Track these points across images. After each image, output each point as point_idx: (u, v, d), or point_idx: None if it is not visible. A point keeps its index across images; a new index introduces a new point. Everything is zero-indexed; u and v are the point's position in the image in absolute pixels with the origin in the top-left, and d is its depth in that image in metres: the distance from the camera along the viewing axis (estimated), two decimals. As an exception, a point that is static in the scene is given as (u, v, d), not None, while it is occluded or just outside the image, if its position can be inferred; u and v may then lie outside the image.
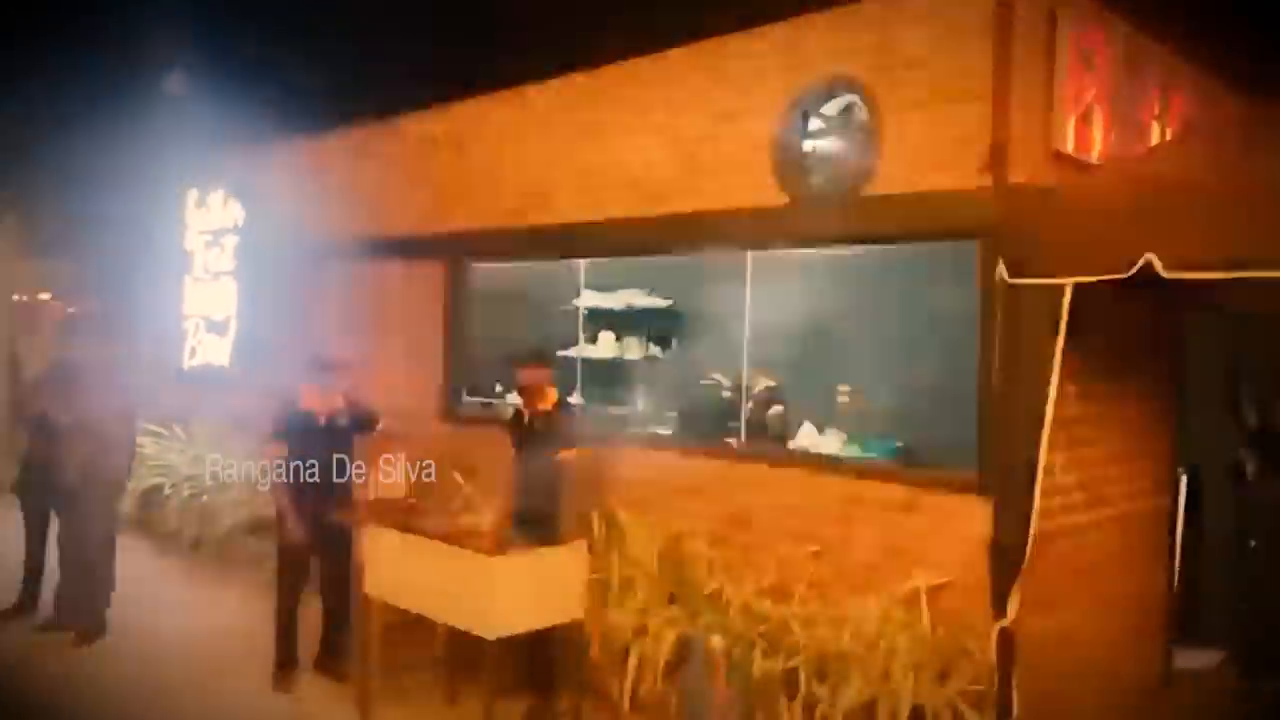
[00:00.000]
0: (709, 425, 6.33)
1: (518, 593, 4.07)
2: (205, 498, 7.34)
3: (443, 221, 6.87)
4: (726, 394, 6.53)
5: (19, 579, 5.89)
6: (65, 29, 9.64)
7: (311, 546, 4.98)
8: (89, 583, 5.59)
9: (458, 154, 6.78)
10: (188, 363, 8.82)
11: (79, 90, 10.00)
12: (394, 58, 7.15)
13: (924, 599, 4.20)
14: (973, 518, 4.16)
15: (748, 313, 5.76)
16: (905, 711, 3.74)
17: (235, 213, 8.58)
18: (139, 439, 6.55)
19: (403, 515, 4.65)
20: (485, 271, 7.03)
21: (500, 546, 4.13)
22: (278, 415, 5.04)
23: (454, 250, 6.86)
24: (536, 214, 6.18)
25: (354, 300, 7.51)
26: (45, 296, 14.07)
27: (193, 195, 9.05)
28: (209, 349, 8.71)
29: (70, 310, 10.78)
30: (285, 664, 4.98)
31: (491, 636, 3.97)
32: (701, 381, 6.79)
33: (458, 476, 5.87)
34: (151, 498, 7.74)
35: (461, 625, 4.16)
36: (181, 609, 6.21)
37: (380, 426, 5.31)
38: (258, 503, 6.94)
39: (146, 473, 7.74)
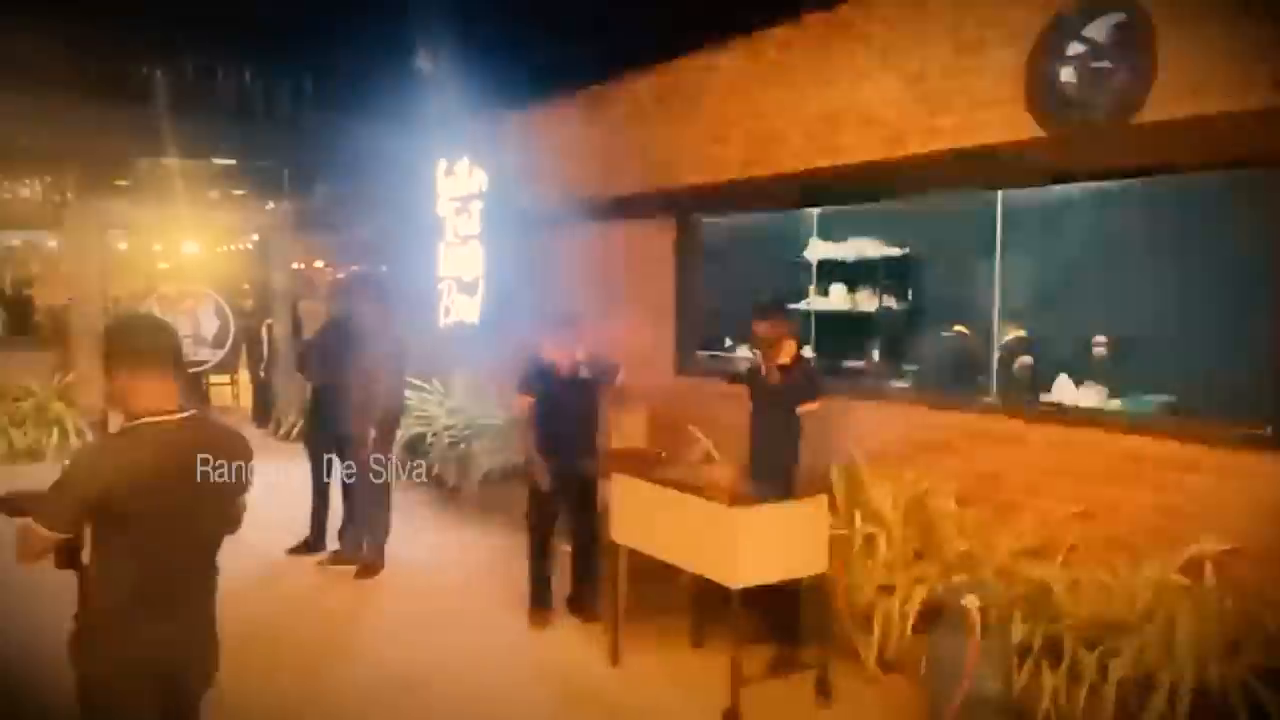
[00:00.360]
0: (952, 378, 6.05)
1: (759, 544, 4.08)
2: (463, 446, 7.91)
3: (672, 177, 6.92)
4: (971, 345, 6.21)
5: (308, 518, 6.60)
6: (330, 19, 10.54)
7: (560, 492, 5.25)
8: (369, 522, 6.19)
9: (687, 108, 6.78)
10: (442, 321, 9.48)
11: (342, 77, 10.94)
12: (624, 16, 7.25)
13: (1209, 567, 3.82)
14: (1265, 477, 3.72)
15: (998, 259, 5.41)
16: (1188, 687, 3.43)
17: (480, 180, 9.07)
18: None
19: (645, 465, 4.78)
20: (714, 225, 7.05)
21: (739, 499, 4.16)
22: (524, 369, 5.33)
23: (683, 205, 6.90)
24: (767, 164, 6.10)
25: (590, 258, 7.76)
26: (320, 264, 15.63)
27: (441, 165, 9.65)
28: (461, 308, 9.32)
29: (341, 276, 11.91)
30: (539, 603, 5.31)
31: (734, 586, 4.01)
32: (943, 333, 6.49)
33: (694, 430, 5.98)
34: (415, 445, 8.44)
35: (705, 574, 4.24)
36: (443, 548, 6.75)
37: (620, 379, 5.47)
38: (510, 450, 7.41)
39: (411, 423, 8.42)
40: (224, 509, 2.65)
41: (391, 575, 6.12)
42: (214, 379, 12.90)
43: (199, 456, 2.51)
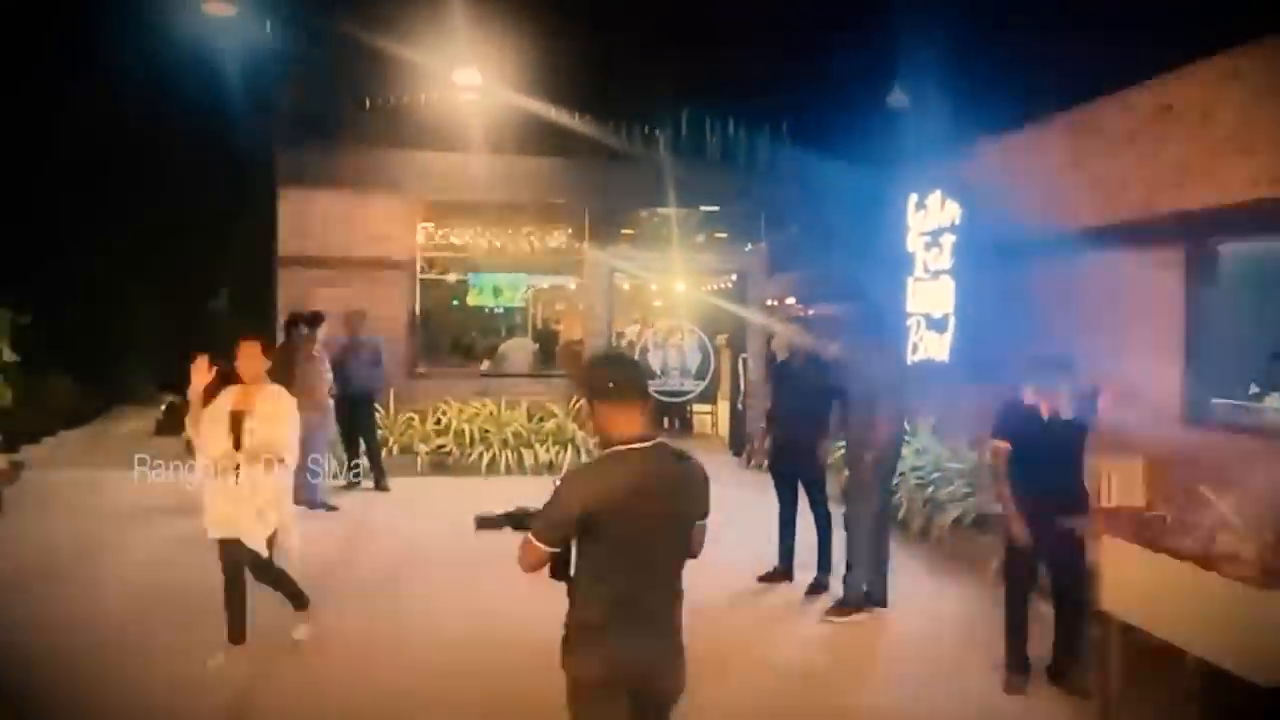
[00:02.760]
0: None
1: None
2: (930, 489, 7.69)
3: (1180, 200, 6.10)
4: None
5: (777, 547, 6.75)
6: (806, 66, 11.07)
7: (1040, 550, 4.85)
8: (862, 557, 6.03)
9: (1200, 122, 5.94)
10: (910, 358, 9.35)
11: (815, 120, 11.41)
12: (1116, 26, 6.59)
13: None
14: None
15: None
16: None
17: (952, 212, 8.82)
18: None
19: (1145, 528, 4.24)
20: (1236, 251, 6.06)
21: (1270, 577, 3.49)
22: (1000, 413, 5.02)
23: (1195, 230, 6.04)
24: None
25: (1073, 291, 7.12)
26: (791, 301, 16.31)
27: (912, 199, 9.56)
28: (930, 345, 9.12)
29: (811, 312, 12.32)
30: (1015, 668, 4.93)
31: (1263, 683, 3.37)
32: None
33: (1206, 490, 5.15)
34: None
35: (1222, 663, 3.62)
36: (910, 596, 6.55)
37: (1103, 403, 4.92)
38: (982, 498, 7.04)
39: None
40: (687, 532, 2.86)
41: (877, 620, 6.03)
42: (696, 408, 14.10)
43: (666, 481, 2.76)
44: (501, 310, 17.07)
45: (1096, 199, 6.91)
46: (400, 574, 6.69)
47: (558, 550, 2.76)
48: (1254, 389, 6.50)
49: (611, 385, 2.80)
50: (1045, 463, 4.79)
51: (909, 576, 6.83)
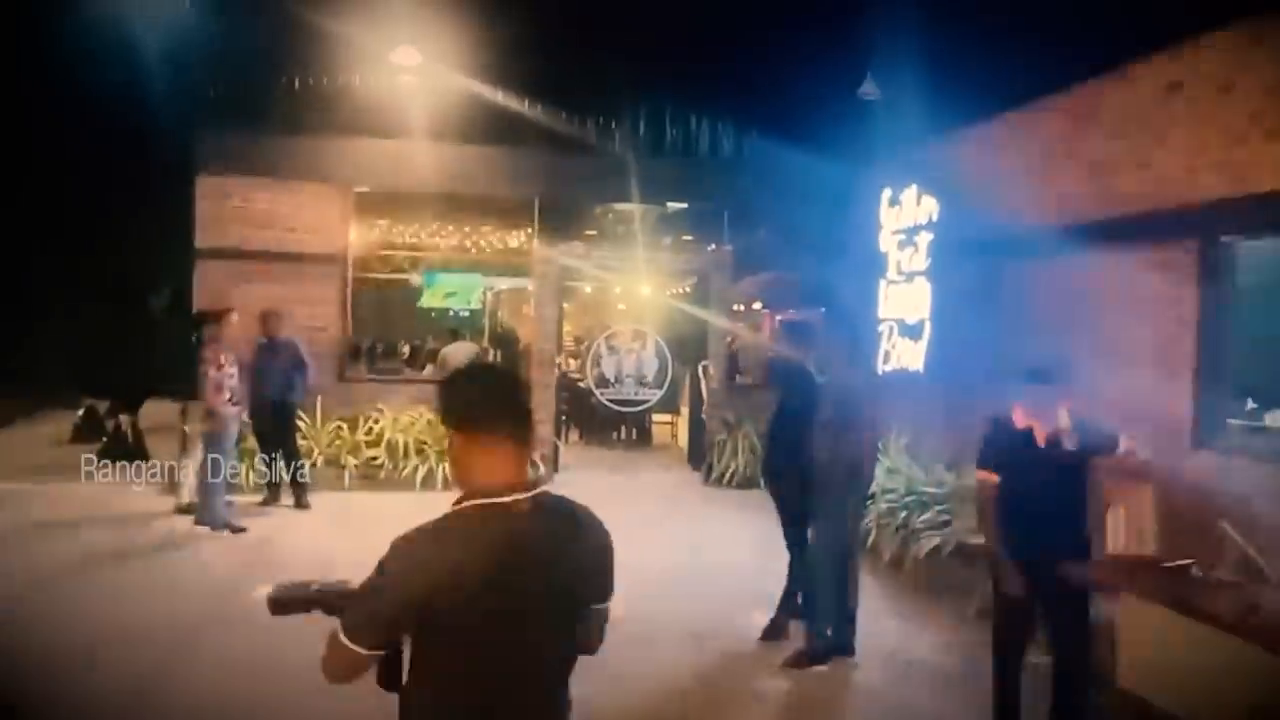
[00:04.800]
0: None
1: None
2: (903, 513, 6.88)
3: (1187, 191, 5.35)
4: None
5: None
6: (767, 53, 10.32)
7: (1035, 600, 4.04)
8: (827, 599, 5.20)
9: (1216, 100, 5.18)
10: (881, 368, 8.57)
11: (780, 112, 10.65)
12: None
13: None
14: None
15: None
16: None
17: (929, 208, 8.05)
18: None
19: (1170, 584, 3.45)
20: (1250, 251, 5.31)
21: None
22: (986, 437, 4.21)
23: (1206, 226, 5.28)
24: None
25: (1063, 294, 6.36)
26: (757, 307, 15.51)
27: (885, 194, 8.79)
28: (903, 353, 8.34)
29: (780, 318, 11.52)
30: (1004, 732, 4.13)
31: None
32: None
33: (1231, 530, 4.36)
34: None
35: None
36: (880, 635, 5.76)
37: (1122, 451, 4.12)
38: (961, 526, 6.26)
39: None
40: (580, 621, 1.99)
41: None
42: (657, 417, 13.26)
43: (546, 551, 1.89)
44: (453, 312, 16.24)
45: (1093, 190, 6.15)
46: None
47: (383, 653, 1.89)
48: (1250, 404, 5.78)
49: (471, 409, 1.95)
50: (1041, 498, 3.97)
51: (879, 616, 6.00)
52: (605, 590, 2.03)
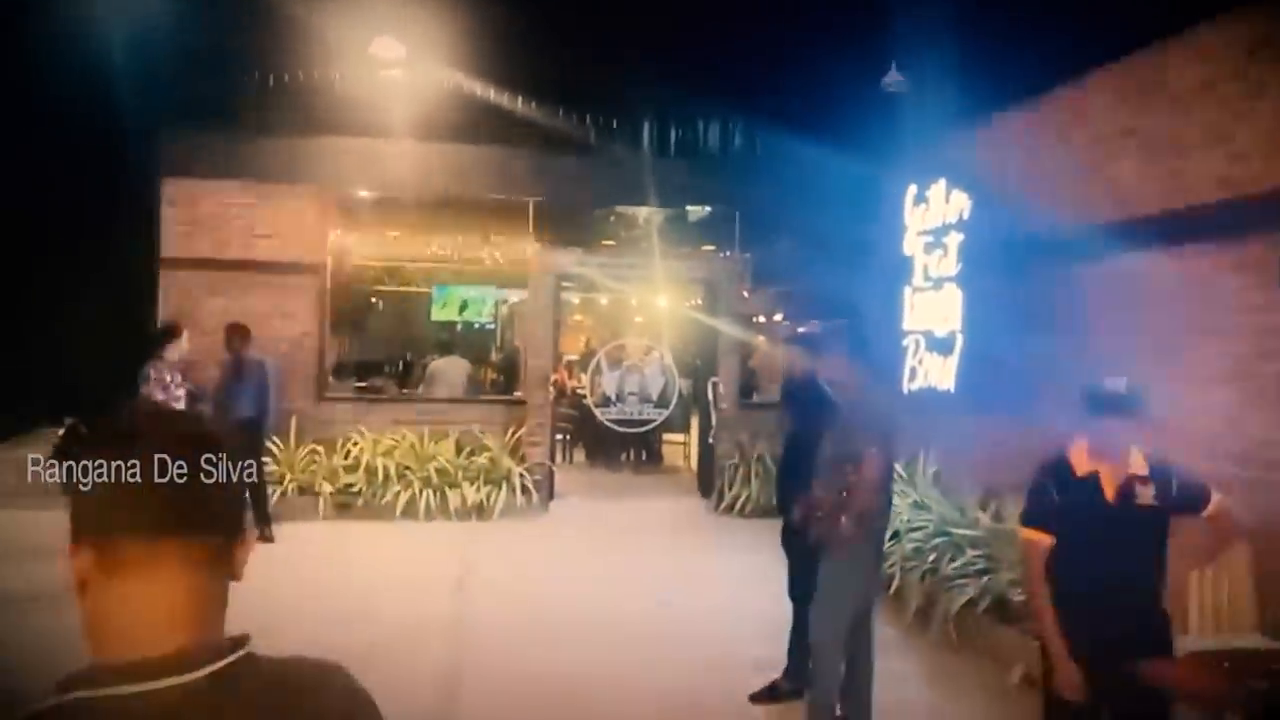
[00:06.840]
0: None
1: None
2: (931, 557, 5.91)
3: (1275, 175, 4.41)
4: None
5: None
6: (782, 46, 9.43)
7: (1101, 700, 3.08)
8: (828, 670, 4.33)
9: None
10: (907, 386, 7.62)
11: (798, 109, 9.73)
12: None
13: None
14: None
15: None
16: None
17: (960, 205, 7.11)
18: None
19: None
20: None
21: None
22: (1036, 485, 3.27)
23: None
24: None
25: (1123, 303, 5.41)
26: (778, 318, 14.58)
27: (910, 191, 7.86)
28: (931, 370, 7.38)
29: (800, 330, 10.59)
30: None
31: None
32: None
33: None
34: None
35: None
36: (907, 704, 4.80)
37: (1211, 510, 3.17)
38: (1001, 576, 5.30)
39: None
40: None
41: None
42: (668, 437, 12.35)
43: None
44: (475, 326, 15.41)
45: (1156, 178, 5.20)
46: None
47: None
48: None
49: (87, 504, 1.04)
50: (1110, 569, 3.03)
51: (904, 679, 5.04)
52: None
